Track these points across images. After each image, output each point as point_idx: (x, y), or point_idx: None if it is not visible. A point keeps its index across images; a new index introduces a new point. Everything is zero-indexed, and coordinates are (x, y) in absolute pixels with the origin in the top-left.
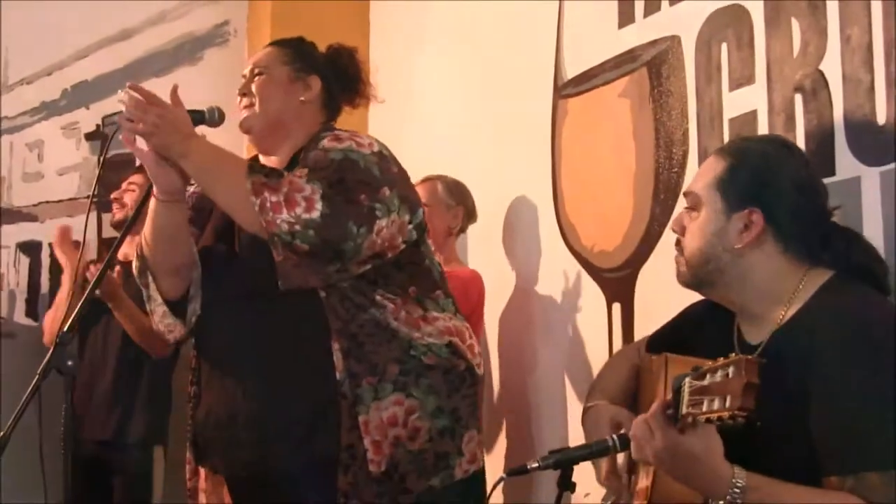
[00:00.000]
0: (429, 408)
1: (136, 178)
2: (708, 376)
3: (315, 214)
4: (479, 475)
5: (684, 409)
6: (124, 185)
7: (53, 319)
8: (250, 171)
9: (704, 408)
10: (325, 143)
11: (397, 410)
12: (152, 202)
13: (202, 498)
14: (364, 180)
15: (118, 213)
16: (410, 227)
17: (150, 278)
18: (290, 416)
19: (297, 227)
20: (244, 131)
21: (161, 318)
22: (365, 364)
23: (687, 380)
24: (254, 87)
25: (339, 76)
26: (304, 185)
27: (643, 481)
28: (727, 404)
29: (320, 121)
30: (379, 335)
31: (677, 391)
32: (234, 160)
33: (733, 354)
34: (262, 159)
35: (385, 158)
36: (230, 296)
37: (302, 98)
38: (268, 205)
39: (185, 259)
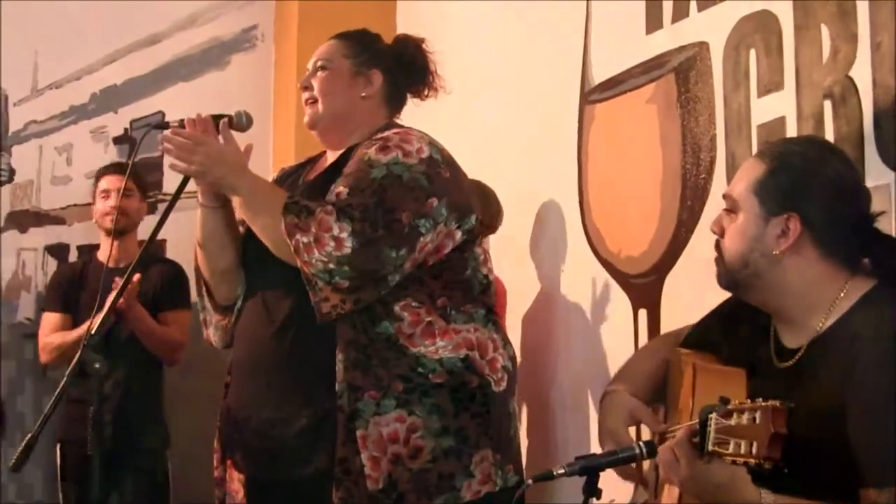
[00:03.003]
0: (432, 427)
1: (113, 180)
2: (735, 416)
3: (346, 251)
4: (497, 496)
5: (710, 447)
6: (114, 189)
7: (58, 344)
8: (285, 211)
9: (731, 449)
10: (372, 153)
11: (398, 427)
12: (199, 209)
13: (232, 486)
14: (407, 196)
15: (121, 220)
16: (459, 232)
17: (204, 287)
18: (293, 427)
19: (332, 266)
20: (309, 128)
21: (215, 329)
22: (370, 377)
23: (714, 415)
24: (315, 82)
25: (405, 68)
26: (331, 224)
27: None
28: (753, 451)
29: (383, 114)
30: (387, 350)
31: (703, 423)
32: (273, 198)
33: (760, 400)
34: (329, 153)
35: (435, 164)
36: (259, 293)
37: (363, 94)
38: (301, 246)
39: (234, 262)
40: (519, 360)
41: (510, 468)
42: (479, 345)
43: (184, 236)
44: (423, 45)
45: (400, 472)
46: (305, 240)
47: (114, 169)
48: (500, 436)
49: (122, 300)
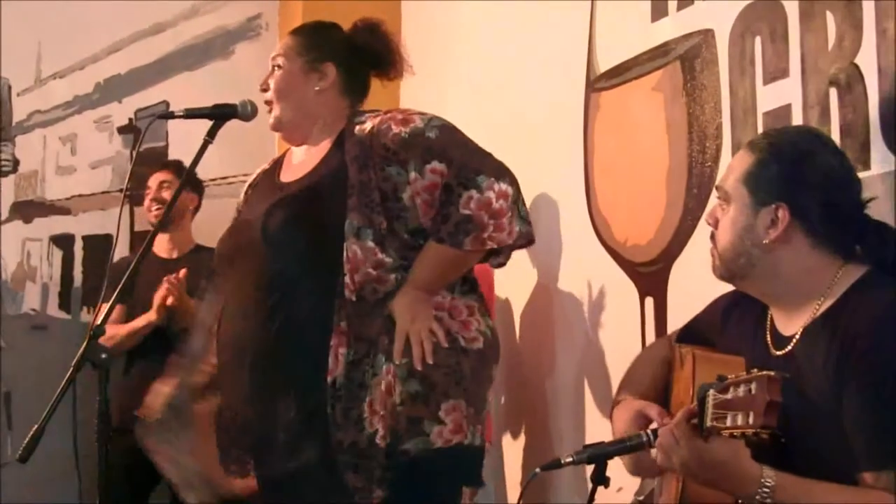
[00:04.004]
0: (401, 372)
1: (166, 175)
2: (731, 390)
3: (511, 190)
4: (466, 449)
5: (708, 422)
6: (155, 185)
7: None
8: (455, 246)
9: (728, 422)
10: (394, 127)
11: (389, 378)
12: None
13: None
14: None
15: (160, 214)
16: None
17: None
18: (282, 420)
19: (516, 213)
20: (273, 130)
21: None
22: (369, 364)
23: (711, 391)
24: (272, 83)
25: (361, 55)
26: (476, 195)
27: (671, 490)
28: (750, 421)
29: (344, 104)
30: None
31: (702, 401)
32: (440, 261)
33: (755, 370)
34: (294, 150)
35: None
36: (237, 294)
37: (317, 88)
38: (486, 235)
39: None
40: (521, 351)
41: (479, 428)
42: (451, 308)
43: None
44: (380, 28)
45: (397, 421)
46: (485, 234)
47: (161, 165)
48: (477, 393)
49: (172, 298)
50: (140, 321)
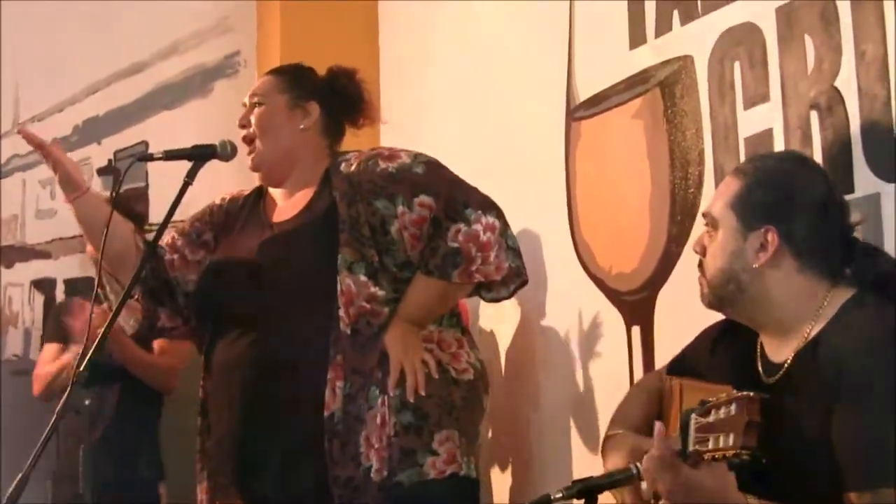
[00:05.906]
0: (395, 403)
1: None
2: (713, 413)
3: (498, 223)
4: (462, 481)
5: (691, 447)
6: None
7: (47, 374)
8: (443, 278)
9: (710, 445)
10: (381, 163)
11: (384, 410)
12: (72, 208)
13: None
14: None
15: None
16: None
17: (112, 280)
18: (281, 452)
19: (503, 245)
20: (254, 170)
21: (128, 315)
22: (363, 398)
23: (693, 416)
24: (253, 119)
25: (339, 98)
26: (463, 227)
27: None
28: (730, 442)
29: (324, 145)
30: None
31: (685, 427)
32: (433, 291)
33: (735, 391)
34: (271, 191)
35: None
36: (233, 327)
37: (302, 125)
38: (474, 268)
39: (123, 242)
40: (507, 383)
41: (473, 459)
42: (440, 341)
43: None
44: (356, 76)
45: (391, 452)
46: (472, 267)
47: None
48: (469, 423)
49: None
50: (70, 354)
